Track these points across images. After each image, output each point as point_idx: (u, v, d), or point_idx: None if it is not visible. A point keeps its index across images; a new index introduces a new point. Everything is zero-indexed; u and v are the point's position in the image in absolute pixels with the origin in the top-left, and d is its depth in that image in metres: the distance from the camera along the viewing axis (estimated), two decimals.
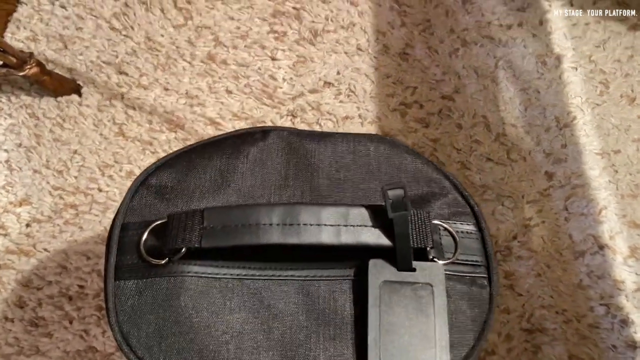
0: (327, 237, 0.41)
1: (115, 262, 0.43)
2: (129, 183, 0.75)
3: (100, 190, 0.76)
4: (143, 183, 0.47)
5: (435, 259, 0.43)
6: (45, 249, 0.72)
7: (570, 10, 0.93)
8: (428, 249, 0.43)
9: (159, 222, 0.44)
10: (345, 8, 0.92)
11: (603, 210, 0.77)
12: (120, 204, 0.45)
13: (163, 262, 0.42)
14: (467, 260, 0.45)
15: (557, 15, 0.92)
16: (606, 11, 0.92)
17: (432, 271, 0.43)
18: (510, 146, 0.82)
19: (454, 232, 0.45)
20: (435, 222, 0.45)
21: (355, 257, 0.44)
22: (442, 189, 0.48)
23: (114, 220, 0.45)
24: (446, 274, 0.44)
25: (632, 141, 0.82)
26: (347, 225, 0.42)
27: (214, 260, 0.44)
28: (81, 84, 0.84)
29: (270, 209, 0.42)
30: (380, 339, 0.40)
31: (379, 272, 0.43)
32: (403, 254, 0.42)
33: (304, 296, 0.43)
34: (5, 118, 0.81)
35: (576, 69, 0.87)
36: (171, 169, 0.47)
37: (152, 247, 0.43)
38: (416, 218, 0.42)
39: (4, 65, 0.75)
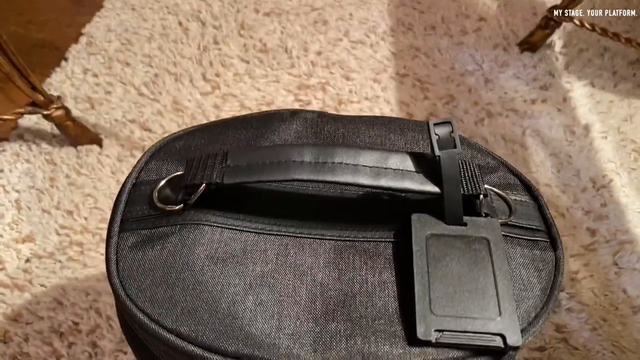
0: (364, 178, 0.39)
1: (122, 213, 0.41)
2: None
3: None
4: (163, 147, 0.46)
5: (488, 215, 0.40)
6: (42, 285, 0.69)
7: (592, 90, 0.98)
8: (481, 198, 0.40)
9: (177, 173, 0.42)
10: (369, 84, 0.99)
11: None
12: (137, 162, 0.44)
13: (177, 208, 0.40)
14: (524, 224, 0.42)
15: (580, 94, 0.98)
16: (629, 91, 0.98)
17: (486, 226, 0.39)
18: (546, 201, 0.81)
19: (506, 197, 0.43)
20: (486, 186, 0.43)
21: (395, 219, 0.41)
22: (488, 164, 0.47)
23: (127, 177, 0.43)
24: (502, 234, 0.40)
25: None
26: (387, 168, 0.40)
27: (235, 212, 0.41)
28: (103, 137, 0.87)
29: (302, 148, 0.40)
30: (430, 292, 0.36)
31: (424, 225, 0.40)
32: (452, 202, 0.39)
33: (336, 256, 0.39)
34: (22, 163, 0.83)
35: (606, 137, 0.90)
36: (193, 136, 0.47)
37: (167, 197, 0.41)
38: (465, 165, 0.41)
39: (32, 104, 0.79)
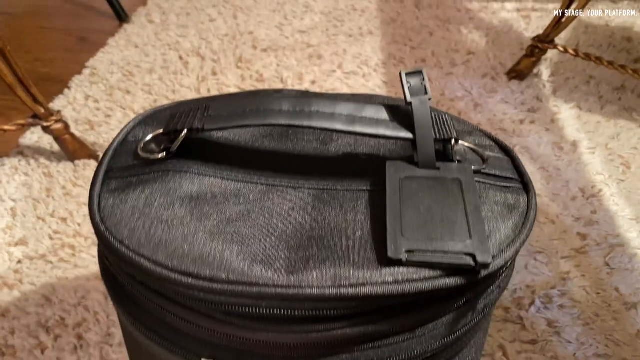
0: (340, 124, 0.42)
1: (108, 165, 0.43)
2: None
3: None
4: (151, 115, 0.49)
5: (461, 162, 0.43)
6: (32, 283, 0.70)
7: (580, 113, 1.02)
8: (452, 143, 0.43)
9: (162, 131, 0.45)
10: None
11: None
12: (124, 127, 0.47)
13: (160, 156, 0.42)
14: (497, 173, 0.44)
15: (568, 116, 1.01)
16: (615, 113, 1.01)
17: (459, 170, 0.42)
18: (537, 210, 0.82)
19: (479, 151, 0.45)
20: (460, 142, 0.45)
21: (373, 173, 0.43)
22: (464, 129, 0.49)
23: (114, 138, 0.46)
24: (476, 181, 0.42)
25: None
26: (362, 117, 0.43)
27: (217, 164, 0.43)
28: (100, 154, 0.91)
29: (281, 99, 0.43)
30: (402, 220, 0.38)
31: (398, 170, 0.42)
32: (424, 147, 0.42)
33: (314, 201, 0.41)
34: (21, 175, 0.86)
35: (594, 152, 0.93)
36: (180, 106, 0.49)
37: (151, 150, 0.44)
38: (437, 114, 0.44)
39: (33, 117, 0.82)
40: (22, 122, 0.83)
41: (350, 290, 0.34)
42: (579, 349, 0.65)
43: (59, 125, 0.85)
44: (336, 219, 0.39)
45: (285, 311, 0.35)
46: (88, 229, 0.78)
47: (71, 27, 1.35)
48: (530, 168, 0.90)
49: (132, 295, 0.41)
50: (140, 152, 0.43)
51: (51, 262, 0.74)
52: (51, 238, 0.77)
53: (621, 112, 1.03)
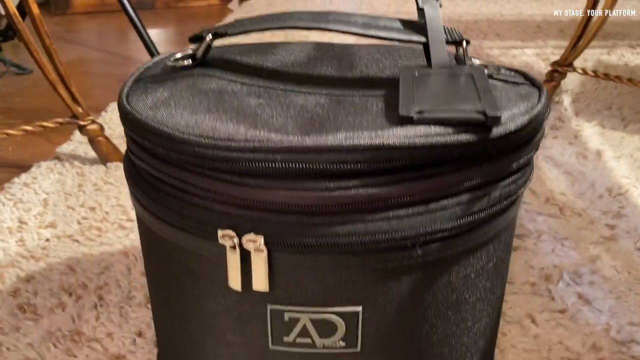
0: (356, 28, 0.45)
1: (138, 75, 0.47)
2: None
3: (130, 219, 0.79)
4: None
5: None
6: (58, 257, 0.72)
7: (603, 130, 1.03)
8: (464, 45, 0.46)
9: (189, 38, 0.49)
10: None
11: None
12: (158, 55, 0.52)
13: (186, 62, 0.46)
14: (509, 79, 0.46)
15: (591, 132, 1.03)
16: (639, 131, 1.02)
17: (471, 69, 0.44)
18: (562, 205, 0.82)
19: (492, 64, 0.48)
20: (473, 59, 0.48)
21: (388, 85, 0.46)
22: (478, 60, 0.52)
23: (148, 60, 0.50)
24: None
25: None
26: (377, 25, 0.46)
27: (239, 74, 0.47)
28: None
29: (302, 12, 0.47)
30: (414, 92, 0.40)
31: (412, 70, 0.44)
32: (436, 48, 0.44)
33: (331, 101, 0.43)
34: (55, 174, 0.91)
35: (619, 160, 0.93)
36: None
37: (179, 61, 0.48)
38: (448, 27, 0.47)
39: (72, 117, 0.88)
40: (60, 120, 0.88)
41: (362, 141, 0.36)
42: (612, 317, 0.63)
43: (94, 126, 0.90)
44: (351, 110, 0.41)
45: (300, 165, 0.36)
46: (115, 215, 0.81)
47: (112, 72, 1.45)
48: (554, 172, 0.91)
49: (153, 183, 0.43)
50: (168, 63, 0.47)
51: (78, 241, 0.75)
52: (79, 223, 0.79)
53: None
